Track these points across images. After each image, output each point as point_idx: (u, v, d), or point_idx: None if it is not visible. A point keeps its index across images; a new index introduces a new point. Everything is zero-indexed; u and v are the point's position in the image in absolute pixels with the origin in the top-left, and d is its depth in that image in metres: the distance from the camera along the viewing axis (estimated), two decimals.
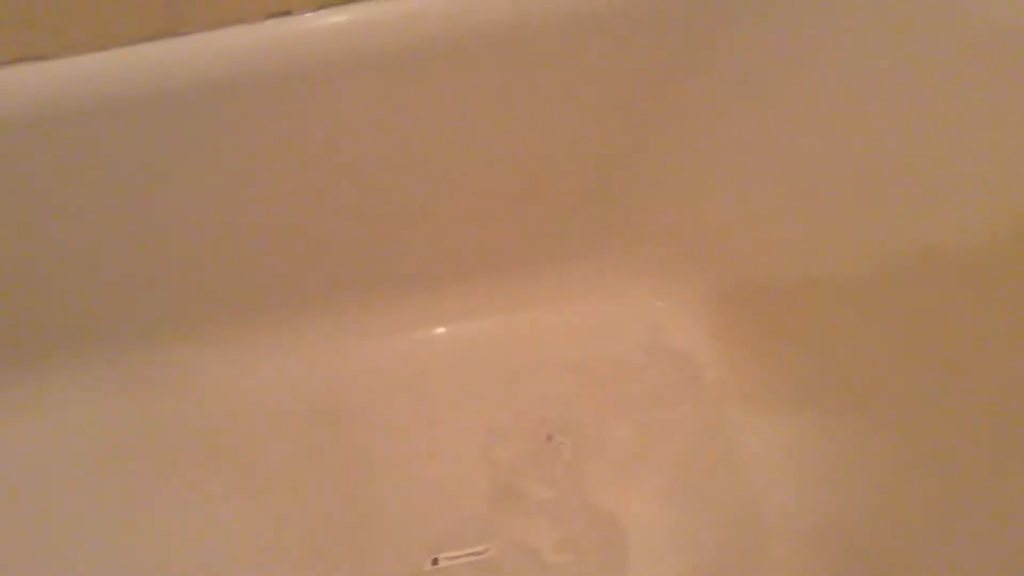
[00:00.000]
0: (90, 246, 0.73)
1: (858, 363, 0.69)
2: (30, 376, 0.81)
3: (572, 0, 0.62)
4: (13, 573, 0.75)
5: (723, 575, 0.71)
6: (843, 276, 0.70)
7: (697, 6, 0.64)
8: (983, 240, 0.59)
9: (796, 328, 0.75)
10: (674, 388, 0.77)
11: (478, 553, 0.73)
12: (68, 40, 0.61)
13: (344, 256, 0.80)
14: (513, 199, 0.77)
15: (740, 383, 0.77)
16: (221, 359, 0.83)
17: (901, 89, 0.63)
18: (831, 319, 0.72)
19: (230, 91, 0.62)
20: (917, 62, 0.61)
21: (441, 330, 0.84)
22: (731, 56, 0.67)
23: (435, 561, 0.73)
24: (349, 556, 0.74)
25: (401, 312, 0.83)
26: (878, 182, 0.65)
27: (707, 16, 0.65)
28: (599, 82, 0.68)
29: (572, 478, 0.74)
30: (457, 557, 0.73)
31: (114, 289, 0.77)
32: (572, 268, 0.83)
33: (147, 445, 0.80)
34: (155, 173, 0.68)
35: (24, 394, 0.81)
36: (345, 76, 0.64)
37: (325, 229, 0.77)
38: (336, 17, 0.62)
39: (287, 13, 0.62)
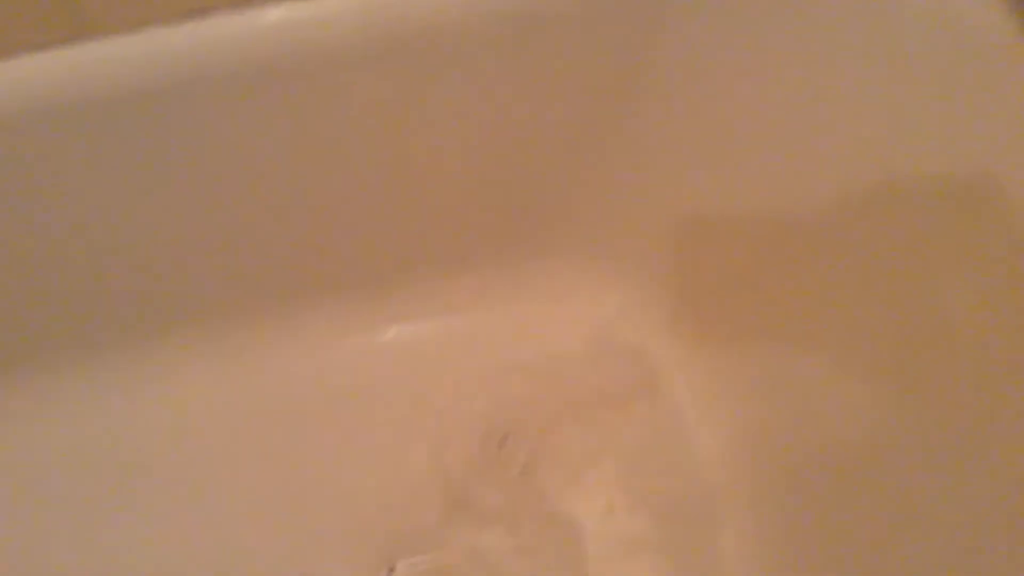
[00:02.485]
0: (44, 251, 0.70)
1: (817, 350, 0.68)
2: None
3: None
4: None
5: (683, 572, 0.71)
6: (798, 262, 0.69)
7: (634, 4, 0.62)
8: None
9: (750, 320, 0.74)
10: (627, 386, 0.76)
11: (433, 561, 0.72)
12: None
13: (291, 259, 0.78)
14: (459, 199, 0.76)
15: (693, 377, 0.76)
16: (168, 365, 0.80)
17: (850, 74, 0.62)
18: (787, 307, 0.71)
19: (141, 99, 0.60)
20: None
21: (390, 332, 0.82)
22: (674, 49, 0.65)
23: (391, 570, 0.72)
24: (301, 566, 0.72)
25: (349, 315, 0.81)
26: (820, 150, 0.64)
27: (645, 12, 0.63)
28: (544, 80, 0.67)
29: (527, 482, 0.73)
30: (414, 564, 0.72)
31: (63, 297, 0.75)
32: (522, 267, 0.81)
33: (84, 456, 0.78)
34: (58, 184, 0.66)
35: None
36: (291, 74, 0.62)
37: (270, 233, 0.75)
38: (258, 15, 0.59)
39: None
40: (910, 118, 0.59)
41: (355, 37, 0.61)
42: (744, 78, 0.66)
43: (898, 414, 0.61)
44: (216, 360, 0.81)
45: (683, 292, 0.78)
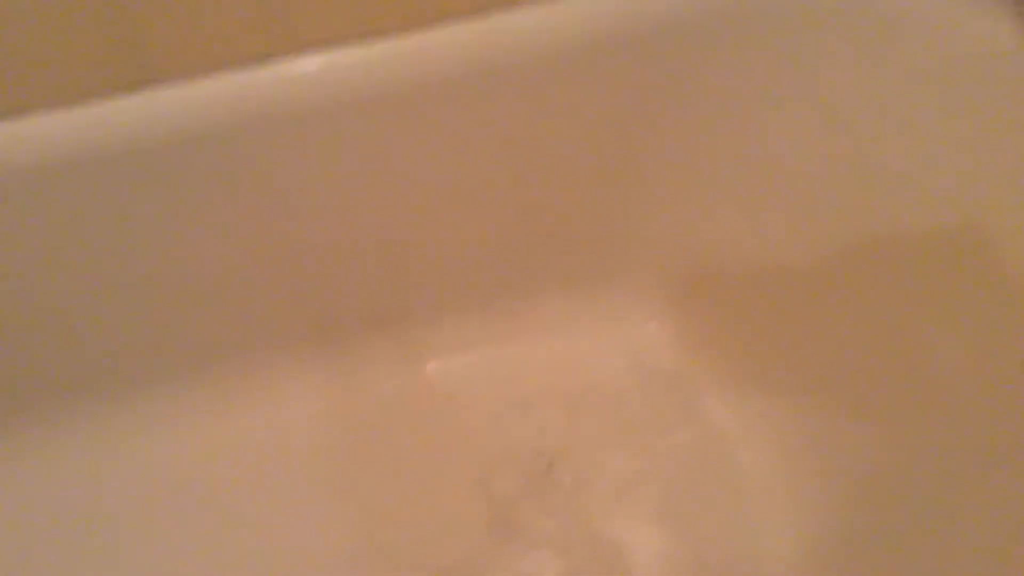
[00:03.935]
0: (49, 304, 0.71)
1: (859, 374, 0.69)
2: None
3: (550, 33, 0.63)
4: None
5: None
6: (834, 284, 0.71)
7: (677, 38, 0.65)
8: (940, 229, 0.61)
9: (787, 342, 0.75)
10: (667, 410, 0.77)
11: None
12: (36, 95, 0.61)
13: (332, 295, 0.80)
14: (495, 233, 0.78)
15: (733, 401, 0.77)
16: (215, 402, 0.82)
17: (863, 100, 0.65)
18: (828, 330, 0.72)
19: (206, 143, 0.62)
20: (879, 78, 0.63)
21: (432, 365, 0.83)
22: (709, 83, 0.68)
23: None
24: None
25: (390, 349, 0.83)
26: (850, 182, 0.66)
27: (684, 47, 0.66)
28: (577, 116, 0.69)
29: (573, 508, 0.73)
30: None
31: (73, 343, 0.76)
32: (559, 297, 0.83)
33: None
34: (127, 229, 0.68)
35: None
36: (324, 120, 0.64)
37: (309, 270, 0.77)
38: (312, 62, 0.62)
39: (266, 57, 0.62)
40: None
41: (393, 83, 0.65)
42: (767, 118, 0.69)
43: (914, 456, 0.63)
44: (259, 400, 0.82)
45: (720, 319, 0.79)
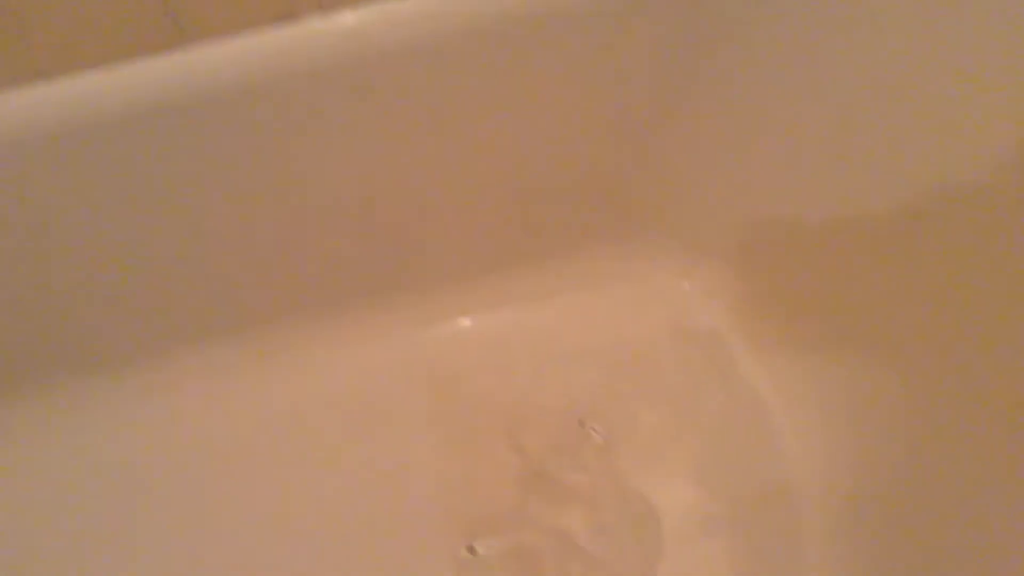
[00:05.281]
0: (84, 266, 0.72)
1: (890, 326, 0.68)
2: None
3: None
4: None
5: (759, 553, 0.71)
6: (859, 228, 0.69)
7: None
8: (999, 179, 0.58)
9: (823, 299, 0.74)
10: (700, 368, 0.77)
11: (511, 540, 0.73)
12: (71, 57, 0.61)
13: (359, 260, 0.81)
14: (532, 190, 0.77)
15: (767, 360, 0.77)
16: (234, 371, 0.83)
17: (908, 37, 0.61)
18: (860, 288, 0.70)
19: (240, 100, 0.62)
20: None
21: (467, 321, 0.84)
22: (738, 31, 0.66)
23: (471, 549, 0.74)
24: (385, 547, 0.75)
25: (425, 306, 0.84)
26: (894, 132, 0.63)
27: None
28: (606, 71, 0.67)
29: (604, 463, 0.74)
30: (493, 544, 0.74)
31: (107, 307, 0.77)
32: (595, 255, 0.82)
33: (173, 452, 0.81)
34: (163, 187, 0.68)
35: None
36: (354, 77, 0.63)
37: (340, 230, 0.77)
38: (343, 18, 0.61)
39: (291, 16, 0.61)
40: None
41: (432, 35, 0.63)
42: (813, 77, 0.66)
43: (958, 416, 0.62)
44: (294, 357, 0.84)
45: (754, 277, 0.78)
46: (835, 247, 0.71)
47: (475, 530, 0.74)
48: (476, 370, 0.81)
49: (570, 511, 0.74)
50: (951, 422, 0.62)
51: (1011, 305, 0.58)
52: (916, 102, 0.62)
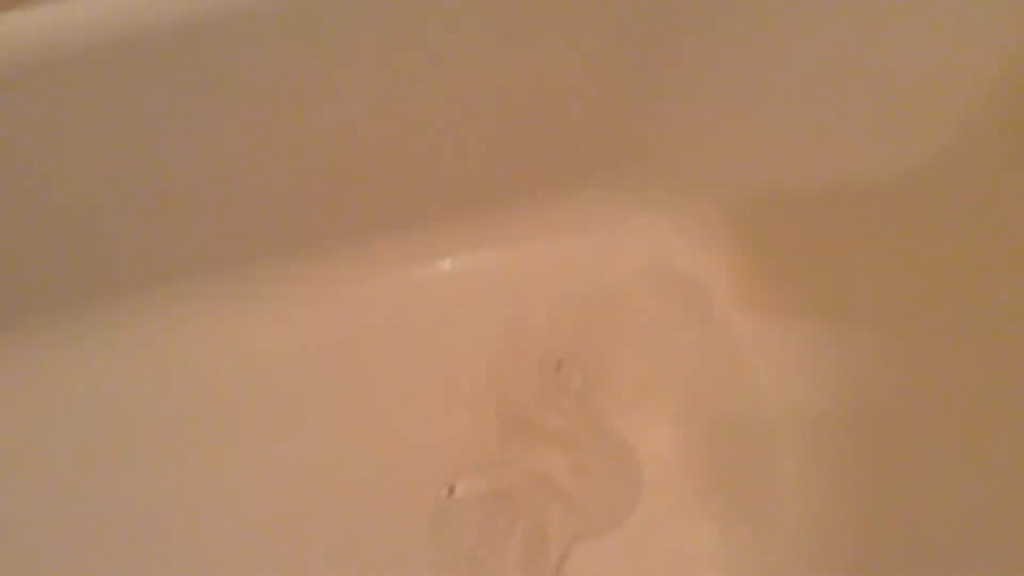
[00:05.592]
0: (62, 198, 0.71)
1: (869, 275, 0.69)
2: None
3: None
4: None
5: (737, 491, 0.73)
6: (851, 189, 0.69)
7: None
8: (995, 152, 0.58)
9: (804, 244, 0.74)
10: (681, 312, 0.77)
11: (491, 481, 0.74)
12: None
13: (336, 198, 0.79)
14: (508, 130, 0.76)
15: (747, 302, 0.77)
16: (214, 310, 0.82)
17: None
18: (841, 234, 0.71)
19: (213, 35, 0.60)
20: None
21: (444, 264, 0.83)
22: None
23: (451, 491, 0.74)
24: (364, 494, 0.75)
25: (400, 248, 0.83)
26: (888, 97, 0.63)
27: None
28: (592, 9, 0.66)
29: (582, 407, 0.74)
30: (473, 485, 0.74)
31: (88, 243, 0.76)
32: (574, 197, 0.82)
33: (147, 399, 0.80)
34: (138, 119, 0.67)
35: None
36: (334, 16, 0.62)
37: (318, 173, 0.76)
38: None
39: None
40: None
41: None
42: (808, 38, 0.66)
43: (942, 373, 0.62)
44: (273, 297, 0.83)
45: (734, 220, 0.78)
46: (828, 210, 0.71)
47: (455, 472, 0.74)
48: (452, 313, 0.81)
49: (549, 454, 0.74)
50: (932, 367, 0.63)
51: (1007, 274, 0.58)
52: (916, 67, 0.61)
